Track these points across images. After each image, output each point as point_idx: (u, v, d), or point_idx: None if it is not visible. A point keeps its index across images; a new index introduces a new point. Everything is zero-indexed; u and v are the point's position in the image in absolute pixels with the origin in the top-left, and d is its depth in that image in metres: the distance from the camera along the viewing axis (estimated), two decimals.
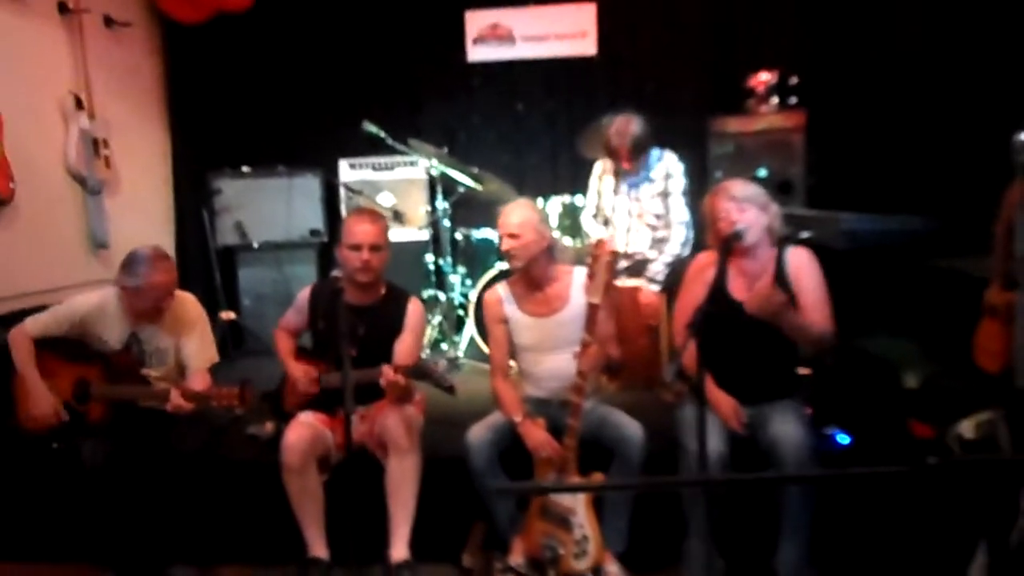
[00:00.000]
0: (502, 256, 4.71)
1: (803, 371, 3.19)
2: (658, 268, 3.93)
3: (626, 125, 3.93)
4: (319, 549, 3.06)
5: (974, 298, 2.93)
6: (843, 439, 3.16)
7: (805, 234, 3.43)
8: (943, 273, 3.30)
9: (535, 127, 5.53)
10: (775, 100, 4.83)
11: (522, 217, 3.11)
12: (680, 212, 3.98)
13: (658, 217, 4.04)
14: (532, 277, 3.14)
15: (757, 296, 2.76)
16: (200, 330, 3.34)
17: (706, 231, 3.04)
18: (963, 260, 3.23)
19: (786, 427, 2.78)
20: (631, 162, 3.98)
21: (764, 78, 4.85)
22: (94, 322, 3.21)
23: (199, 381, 3.23)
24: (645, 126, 3.95)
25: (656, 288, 3.94)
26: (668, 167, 4.01)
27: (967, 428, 2.82)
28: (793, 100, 4.79)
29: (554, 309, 3.13)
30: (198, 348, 3.31)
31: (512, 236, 3.09)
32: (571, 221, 4.63)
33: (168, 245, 5.20)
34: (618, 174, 4.12)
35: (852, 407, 3.33)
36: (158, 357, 3.26)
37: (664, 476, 2.84)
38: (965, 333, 2.95)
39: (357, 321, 3.13)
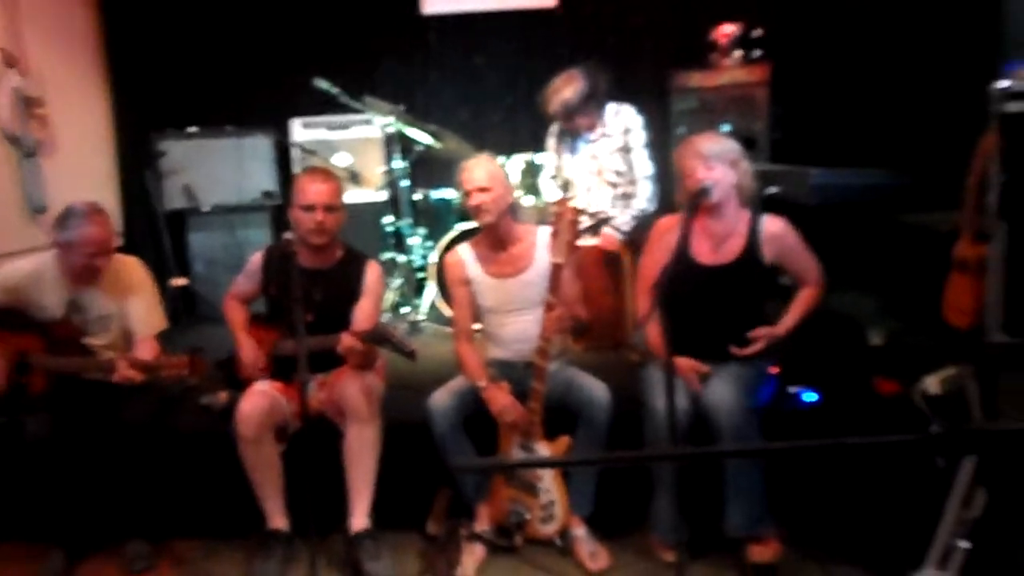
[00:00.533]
0: (463, 217, 4.66)
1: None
2: (624, 219, 3.85)
3: (564, 83, 3.83)
4: (278, 521, 2.97)
5: (940, 254, 2.90)
6: (810, 397, 3.14)
7: (773, 189, 3.37)
8: (909, 228, 3.27)
9: (494, 83, 5.38)
10: (739, 53, 4.74)
11: (489, 170, 3.01)
12: (644, 166, 3.88)
13: (619, 174, 3.94)
14: (497, 236, 3.04)
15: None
16: (146, 294, 3.19)
17: (674, 181, 2.97)
18: (930, 215, 3.19)
19: (719, 393, 2.75)
20: (585, 119, 3.87)
21: (727, 31, 4.75)
22: (30, 289, 3.04)
23: (147, 349, 3.09)
24: (584, 86, 3.82)
25: (619, 237, 3.86)
26: (626, 121, 3.90)
27: (932, 384, 2.80)
28: (757, 53, 4.70)
29: (519, 269, 3.04)
30: (144, 313, 3.16)
31: (483, 190, 2.98)
32: (533, 180, 4.52)
33: (112, 209, 4.96)
34: (574, 133, 4.01)
35: (819, 365, 3.31)
36: (101, 324, 3.11)
37: (631, 451, 2.80)
38: (930, 289, 2.92)
39: (313, 286, 3.01)
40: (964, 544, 2.22)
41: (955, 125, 3.18)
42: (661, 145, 4.36)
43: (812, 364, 3.31)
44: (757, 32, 4.72)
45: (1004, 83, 2.05)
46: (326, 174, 3.09)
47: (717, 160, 2.80)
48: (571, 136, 4.04)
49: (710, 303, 2.86)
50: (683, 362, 2.84)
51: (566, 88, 3.83)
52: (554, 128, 4.16)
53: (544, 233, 2.99)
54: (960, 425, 2.51)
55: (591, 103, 3.86)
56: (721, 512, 2.80)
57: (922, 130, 3.47)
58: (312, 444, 2.73)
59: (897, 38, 3.75)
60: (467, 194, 3.02)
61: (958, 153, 2.78)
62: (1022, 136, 2.05)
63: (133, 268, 3.20)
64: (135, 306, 3.14)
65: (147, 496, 3.08)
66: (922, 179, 3.27)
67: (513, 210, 3.07)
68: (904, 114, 3.63)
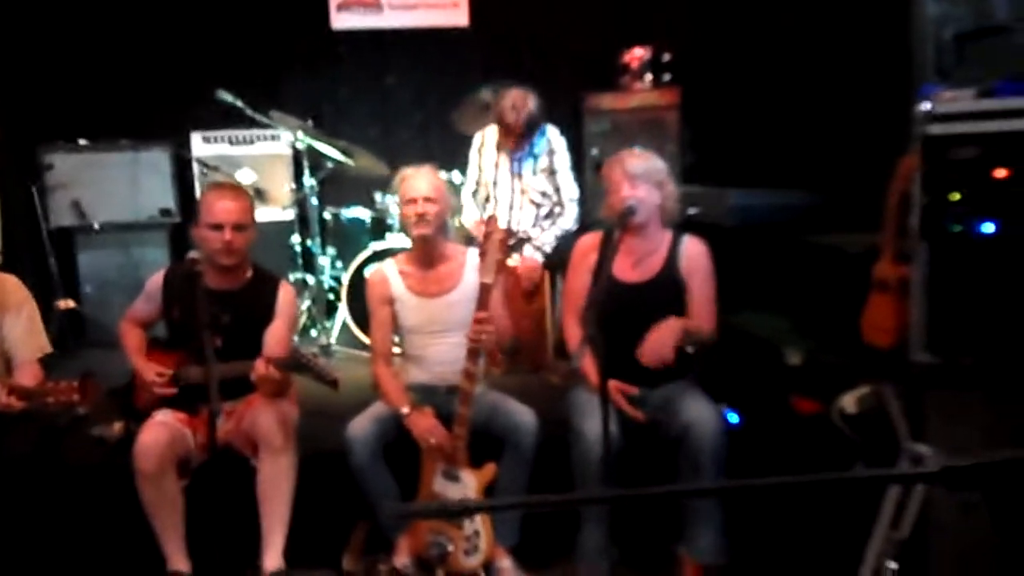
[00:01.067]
0: (376, 236, 4.52)
1: (688, 350, 3.14)
2: (546, 239, 3.82)
3: (523, 100, 3.79)
4: (179, 562, 2.75)
5: (852, 274, 2.96)
6: (732, 418, 3.14)
7: (692, 211, 3.39)
8: (821, 249, 3.34)
9: (405, 100, 5.32)
10: (649, 77, 4.81)
11: (434, 182, 2.93)
12: (570, 189, 3.90)
13: (544, 195, 3.92)
14: (428, 253, 2.94)
15: (654, 346, 2.68)
16: (27, 315, 2.90)
17: (589, 201, 2.94)
18: (841, 236, 3.27)
19: (699, 409, 2.73)
20: (524, 139, 3.83)
21: (638, 54, 4.82)
22: None
23: (28, 375, 2.82)
24: (539, 101, 3.81)
25: (540, 257, 3.81)
26: (552, 142, 3.89)
27: (849, 403, 2.84)
28: (667, 77, 4.77)
29: (445, 289, 2.94)
30: (24, 335, 2.88)
31: (429, 200, 2.87)
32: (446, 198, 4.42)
33: None
34: (500, 148, 3.95)
35: (737, 386, 3.32)
36: None
37: (567, 494, 2.72)
38: (843, 309, 2.98)
39: (221, 308, 2.82)
40: (892, 565, 2.23)
41: (864, 146, 3.29)
42: (576, 166, 4.36)
43: (730, 385, 3.32)
44: (667, 56, 4.80)
45: (927, 105, 2.09)
46: (236, 190, 2.93)
47: (643, 180, 2.79)
48: (496, 151, 3.98)
49: (632, 322, 2.82)
50: (613, 385, 2.78)
51: (529, 101, 3.79)
52: (477, 140, 4.09)
53: (473, 254, 2.90)
54: (881, 443, 2.54)
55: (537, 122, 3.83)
56: (672, 535, 2.76)
57: (831, 152, 3.57)
58: (218, 479, 2.55)
59: (806, 61, 3.86)
60: (409, 202, 2.89)
61: (867, 174, 2.86)
62: (943, 158, 2.09)
63: (12, 286, 2.92)
64: (13, 327, 2.86)
65: (28, 537, 2.80)
66: (833, 200, 3.35)
67: (445, 228, 2.98)
68: (813, 136, 3.73)
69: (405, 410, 2.81)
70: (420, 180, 2.92)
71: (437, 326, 2.94)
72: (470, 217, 4.13)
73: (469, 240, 3.82)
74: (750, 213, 3.28)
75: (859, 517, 2.39)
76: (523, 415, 2.83)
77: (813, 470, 2.79)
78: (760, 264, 3.51)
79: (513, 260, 3.89)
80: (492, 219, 2.75)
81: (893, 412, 2.48)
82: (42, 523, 2.84)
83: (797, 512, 2.83)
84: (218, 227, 2.79)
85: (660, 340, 2.66)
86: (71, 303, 4.59)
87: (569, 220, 3.86)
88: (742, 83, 4.38)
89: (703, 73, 4.69)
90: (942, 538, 2.20)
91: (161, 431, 2.73)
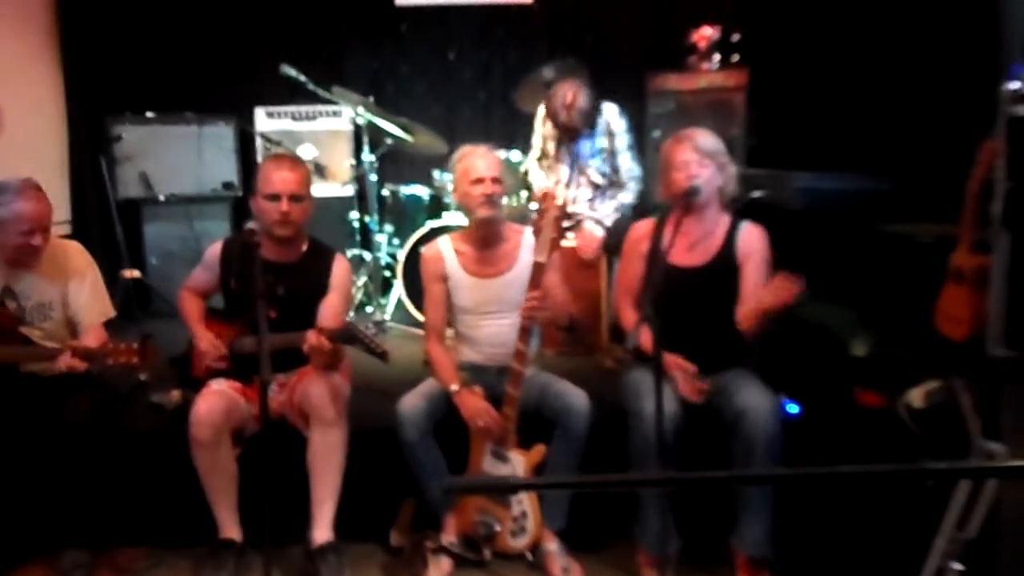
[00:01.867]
0: (433, 214, 4.51)
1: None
2: (605, 211, 3.77)
3: (574, 97, 3.72)
4: (231, 530, 2.79)
5: (923, 265, 2.83)
6: (792, 408, 3.05)
7: (757, 193, 3.28)
8: (891, 238, 3.20)
9: (468, 78, 5.25)
10: (717, 57, 4.67)
11: (497, 161, 2.90)
12: (631, 168, 3.83)
13: (603, 175, 3.85)
14: (489, 233, 2.90)
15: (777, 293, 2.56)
16: (90, 280, 2.96)
17: (659, 180, 2.85)
18: (912, 225, 3.13)
19: (754, 396, 2.64)
20: (580, 132, 3.76)
21: (706, 34, 4.67)
22: None
23: (92, 337, 2.87)
24: (591, 92, 3.74)
25: (599, 232, 3.74)
26: (610, 123, 3.81)
27: (916, 397, 2.73)
28: (735, 57, 4.63)
29: (500, 270, 2.90)
30: (89, 300, 2.93)
31: (497, 181, 2.84)
32: (508, 178, 4.37)
33: (62, 196, 4.73)
34: (560, 142, 3.90)
35: (799, 376, 3.22)
36: (40, 312, 2.87)
37: (623, 474, 2.66)
38: (913, 301, 2.85)
39: (276, 279, 2.84)
40: (957, 567, 2.13)
41: (943, 130, 3.13)
42: (638, 147, 4.27)
43: (792, 375, 3.23)
44: (735, 36, 4.65)
45: (1015, 85, 1.96)
46: (293, 162, 2.92)
47: (711, 159, 2.71)
48: (555, 142, 3.93)
49: (688, 307, 2.75)
50: (672, 359, 2.71)
51: (580, 97, 3.72)
52: (541, 111, 4.04)
53: (529, 234, 2.85)
54: (950, 440, 2.43)
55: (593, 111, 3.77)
56: (729, 527, 2.69)
57: (907, 135, 3.41)
58: (272, 449, 2.56)
59: (882, 40, 3.69)
60: (476, 182, 2.84)
61: (945, 159, 2.71)
62: None
63: (74, 252, 2.98)
64: (79, 292, 2.92)
65: (88, 500, 2.87)
66: (906, 186, 3.20)
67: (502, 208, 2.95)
68: (888, 119, 3.56)
69: (454, 388, 2.79)
70: (485, 160, 2.88)
71: (491, 307, 2.90)
72: (539, 183, 4.10)
73: (524, 219, 3.78)
74: (817, 197, 3.15)
75: (923, 516, 2.30)
76: (575, 397, 2.78)
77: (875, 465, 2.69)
78: (826, 251, 3.39)
79: (569, 240, 3.83)
80: (547, 195, 2.69)
81: (964, 407, 2.37)
82: (101, 487, 2.92)
83: (858, 508, 2.74)
84: (275, 197, 2.80)
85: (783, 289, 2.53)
86: (136, 273, 4.68)
87: (629, 195, 3.80)
88: (813, 63, 4.22)
89: (772, 53, 4.53)
90: (1010, 540, 2.09)
91: (217, 400, 2.76)
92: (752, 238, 2.78)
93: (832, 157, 3.78)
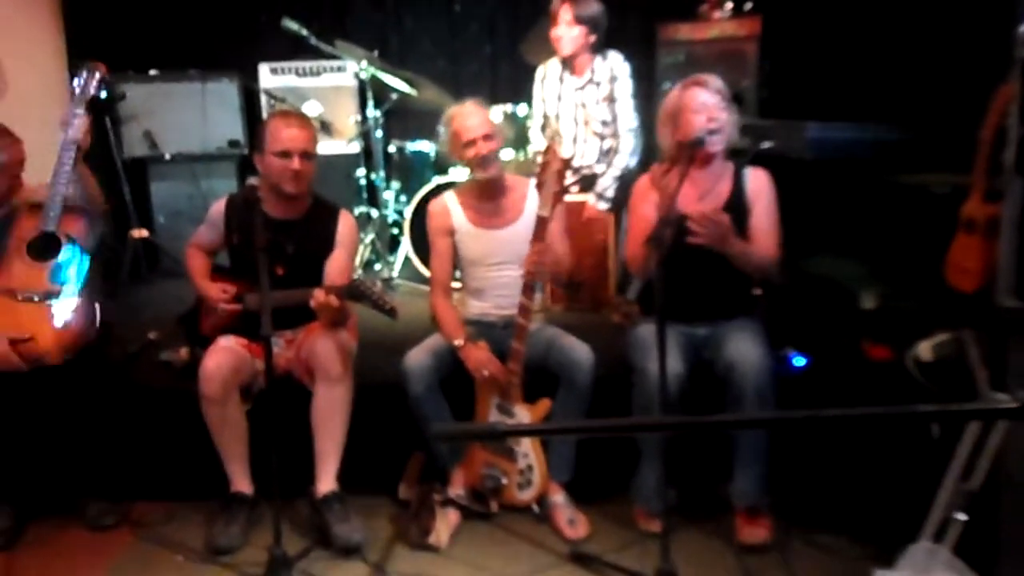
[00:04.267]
0: (440, 170, 4.47)
1: (756, 291, 3.03)
2: (607, 183, 3.70)
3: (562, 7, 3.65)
4: (242, 484, 2.82)
5: (937, 216, 2.79)
6: (799, 361, 3.04)
7: (767, 144, 3.22)
8: (905, 188, 3.15)
9: (474, 31, 5.17)
10: (729, 5, 4.56)
11: (485, 116, 2.86)
12: (628, 118, 3.72)
13: (604, 124, 3.78)
14: (492, 186, 2.88)
15: (702, 218, 2.55)
16: None
17: (662, 129, 2.80)
18: (927, 175, 3.07)
19: (743, 347, 2.62)
20: (573, 55, 3.68)
21: None
22: None
23: None
24: (602, 9, 3.67)
25: (605, 206, 3.71)
26: (613, 68, 3.73)
27: (925, 350, 2.72)
28: (748, 6, 4.52)
29: (507, 221, 2.89)
30: None
31: (488, 138, 2.80)
32: (514, 132, 4.33)
33: None
34: (563, 69, 3.82)
35: (807, 328, 3.21)
36: None
37: (622, 418, 2.66)
38: (924, 253, 2.82)
39: (283, 237, 2.83)
40: (961, 517, 2.13)
41: (959, 77, 3.06)
42: (647, 100, 4.20)
43: (800, 327, 3.21)
44: None
45: None
46: (301, 118, 2.91)
47: (728, 104, 2.68)
48: (559, 81, 3.85)
49: (697, 256, 2.71)
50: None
51: (591, 2, 3.68)
52: (540, 73, 3.97)
53: (534, 184, 2.82)
54: (958, 392, 2.42)
55: (598, 34, 3.71)
56: (726, 477, 2.71)
57: (921, 84, 3.33)
58: (278, 404, 2.58)
59: None
60: (468, 144, 2.81)
61: (961, 109, 2.65)
62: None
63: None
64: None
65: (104, 455, 2.92)
66: (921, 136, 3.14)
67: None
68: (901, 67, 3.48)
69: (459, 342, 2.79)
70: (473, 118, 2.84)
71: (497, 258, 2.89)
72: (536, 149, 4.05)
73: (530, 173, 3.74)
74: (828, 147, 3.09)
75: (927, 467, 2.29)
76: (579, 351, 2.78)
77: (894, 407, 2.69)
78: (838, 202, 3.34)
79: (579, 196, 3.79)
80: (549, 149, 2.65)
81: (973, 359, 2.35)
82: (113, 444, 2.96)
83: (863, 456, 2.74)
84: (286, 155, 2.78)
85: (712, 224, 2.54)
86: (145, 232, 4.69)
87: (624, 155, 3.71)
88: (826, 11, 4.12)
89: (785, 2, 4.43)
90: (1014, 491, 2.09)
91: (225, 356, 2.77)
92: (760, 182, 2.77)
93: (845, 107, 3.71)
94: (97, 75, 2.92)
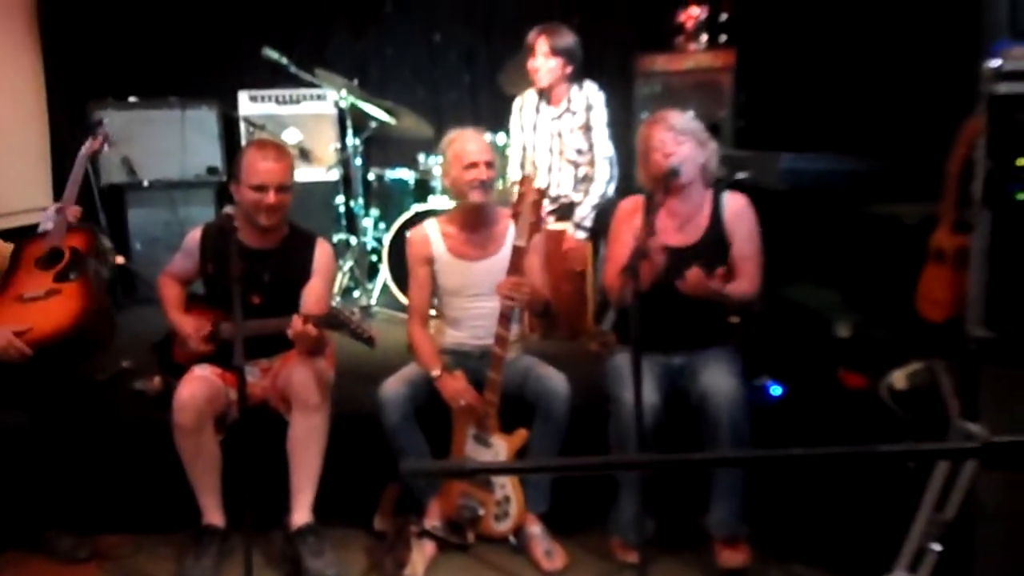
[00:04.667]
0: (419, 198, 4.48)
1: (732, 319, 3.05)
2: (584, 212, 3.72)
3: (560, 33, 3.69)
4: (215, 516, 2.78)
5: (908, 246, 2.82)
6: (776, 390, 3.05)
7: (741, 175, 3.26)
8: (877, 219, 3.19)
9: (453, 60, 5.21)
10: (704, 38, 4.63)
11: (486, 145, 2.89)
12: (604, 147, 3.75)
13: (579, 152, 3.80)
14: (476, 217, 2.90)
15: (690, 283, 2.58)
16: None
17: (636, 165, 2.83)
18: (898, 206, 3.11)
19: (717, 378, 2.63)
20: (548, 85, 3.72)
21: (694, 13, 4.63)
22: None
23: None
24: (576, 42, 3.71)
25: (583, 235, 3.72)
26: (589, 97, 3.77)
27: (899, 379, 2.73)
28: (723, 38, 4.60)
29: (486, 253, 2.90)
30: None
31: (490, 165, 2.83)
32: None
33: (44, 182, 4.70)
34: (538, 109, 3.85)
35: (783, 357, 3.22)
36: None
37: (598, 456, 2.65)
38: (896, 282, 2.84)
39: (260, 266, 2.82)
40: (936, 547, 2.14)
41: (927, 110, 3.11)
42: (625, 129, 4.24)
43: (776, 356, 3.22)
44: (724, 16, 4.62)
45: (996, 62, 1.94)
46: (278, 150, 2.87)
47: (687, 136, 2.69)
48: (536, 111, 3.88)
49: (672, 285, 2.73)
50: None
51: (568, 33, 3.70)
52: (517, 103, 3.99)
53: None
54: (932, 421, 2.43)
55: (574, 64, 3.73)
56: (703, 507, 2.70)
57: (891, 116, 3.39)
58: (251, 434, 2.55)
59: (867, 20, 3.67)
60: (470, 166, 2.82)
61: (930, 140, 2.69)
62: (1011, 119, 1.95)
63: None
64: None
65: (71, 485, 2.87)
66: (892, 167, 3.19)
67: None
68: (872, 99, 3.55)
69: (436, 372, 2.78)
70: (476, 143, 2.86)
71: (476, 289, 2.89)
72: (513, 179, 4.07)
73: (508, 203, 3.75)
74: (802, 177, 3.14)
75: (902, 498, 2.30)
76: (555, 381, 2.77)
77: (859, 446, 2.69)
78: (812, 232, 3.38)
79: (557, 225, 3.81)
80: (525, 180, 2.67)
81: (945, 389, 2.37)
82: (83, 473, 2.91)
83: (835, 490, 2.74)
84: (262, 188, 2.77)
85: (696, 283, 2.57)
86: (121, 259, 4.64)
87: (600, 183, 3.73)
88: (800, 43, 4.19)
89: (760, 34, 4.50)
90: (988, 521, 2.10)
91: (199, 386, 2.74)
92: (737, 207, 2.78)
93: (818, 138, 3.76)
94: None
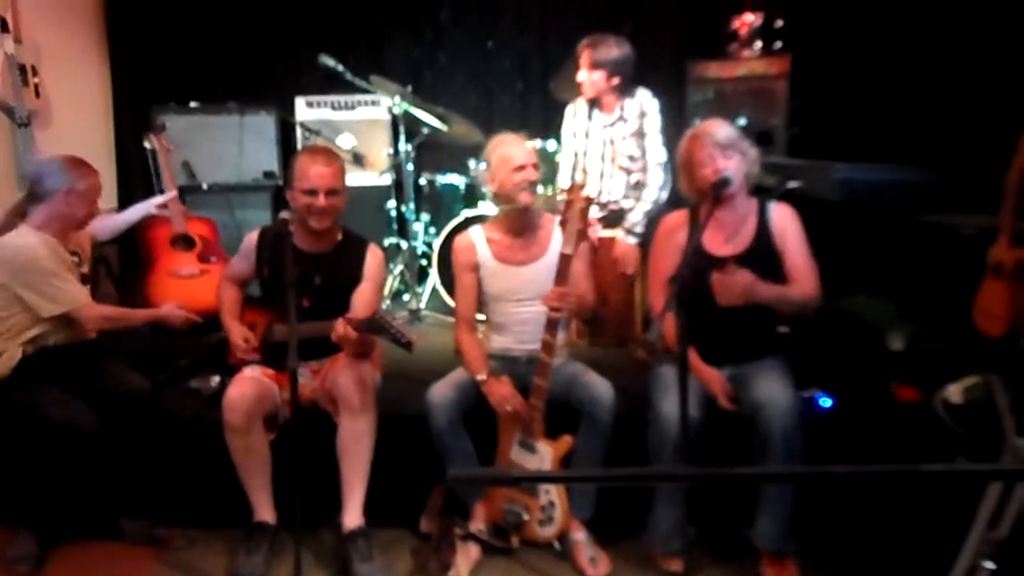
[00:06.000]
0: (469, 203, 4.52)
1: (782, 330, 3.01)
2: (636, 218, 3.71)
3: (606, 44, 3.69)
4: (265, 513, 2.84)
5: (965, 258, 2.77)
6: (825, 402, 3.00)
7: (793, 184, 3.22)
8: (933, 229, 3.13)
9: (506, 67, 5.23)
10: (759, 44, 4.58)
11: (531, 148, 2.91)
12: (657, 153, 3.74)
13: (632, 159, 3.79)
14: (522, 221, 2.92)
15: (723, 288, 2.57)
16: None
17: (680, 176, 2.82)
18: (956, 216, 3.05)
19: (771, 389, 2.60)
20: (597, 95, 3.72)
21: (748, 20, 4.58)
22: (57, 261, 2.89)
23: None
24: (628, 53, 3.72)
25: (634, 240, 3.72)
26: (643, 104, 3.76)
27: (955, 393, 2.68)
28: (778, 44, 4.54)
29: (532, 257, 2.91)
30: None
31: (536, 167, 2.86)
32: (543, 167, 4.36)
33: (109, 184, 4.85)
34: (592, 107, 3.86)
35: (834, 369, 3.17)
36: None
37: (638, 468, 2.65)
38: (953, 294, 2.79)
39: (312, 269, 2.88)
40: (989, 565, 2.09)
41: (987, 120, 3.04)
42: (677, 136, 4.21)
43: (827, 368, 3.18)
44: (779, 22, 4.56)
45: None
46: (328, 155, 2.94)
47: (733, 149, 2.67)
48: (588, 118, 3.89)
49: None
50: (711, 375, 2.69)
51: (614, 46, 3.70)
52: (569, 112, 4.01)
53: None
54: (986, 437, 2.38)
55: (622, 75, 3.73)
56: (747, 517, 2.67)
57: (950, 126, 3.32)
58: (303, 434, 2.60)
59: (926, 28, 3.59)
60: (518, 169, 2.85)
61: (989, 150, 2.64)
62: None
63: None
64: None
65: (132, 479, 2.97)
66: (949, 178, 3.12)
67: None
68: (931, 109, 3.47)
69: (482, 377, 2.80)
70: (520, 146, 2.89)
71: (522, 294, 2.91)
72: (564, 186, 4.08)
73: (554, 209, 3.77)
74: (857, 188, 3.08)
75: (955, 514, 2.25)
76: (601, 388, 2.78)
77: (910, 461, 2.64)
78: (865, 243, 3.33)
79: (606, 232, 3.81)
80: (574, 187, 2.68)
81: (1001, 405, 2.31)
82: (139, 468, 3.00)
83: (885, 505, 2.70)
84: (312, 192, 2.83)
85: (732, 284, 2.55)
86: None
87: (654, 189, 3.72)
88: (856, 51, 4.12)
89: (815, 41, 4.44)
90: None
91: (249, 386, 2.81)
92: (784, 218, 2.75)
93: (873, 148, 3.70)
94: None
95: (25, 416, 2.79)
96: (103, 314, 3.00)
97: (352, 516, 2.77)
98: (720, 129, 2.70)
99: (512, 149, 2.88)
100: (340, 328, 2.67)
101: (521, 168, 2.84)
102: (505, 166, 2.86)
